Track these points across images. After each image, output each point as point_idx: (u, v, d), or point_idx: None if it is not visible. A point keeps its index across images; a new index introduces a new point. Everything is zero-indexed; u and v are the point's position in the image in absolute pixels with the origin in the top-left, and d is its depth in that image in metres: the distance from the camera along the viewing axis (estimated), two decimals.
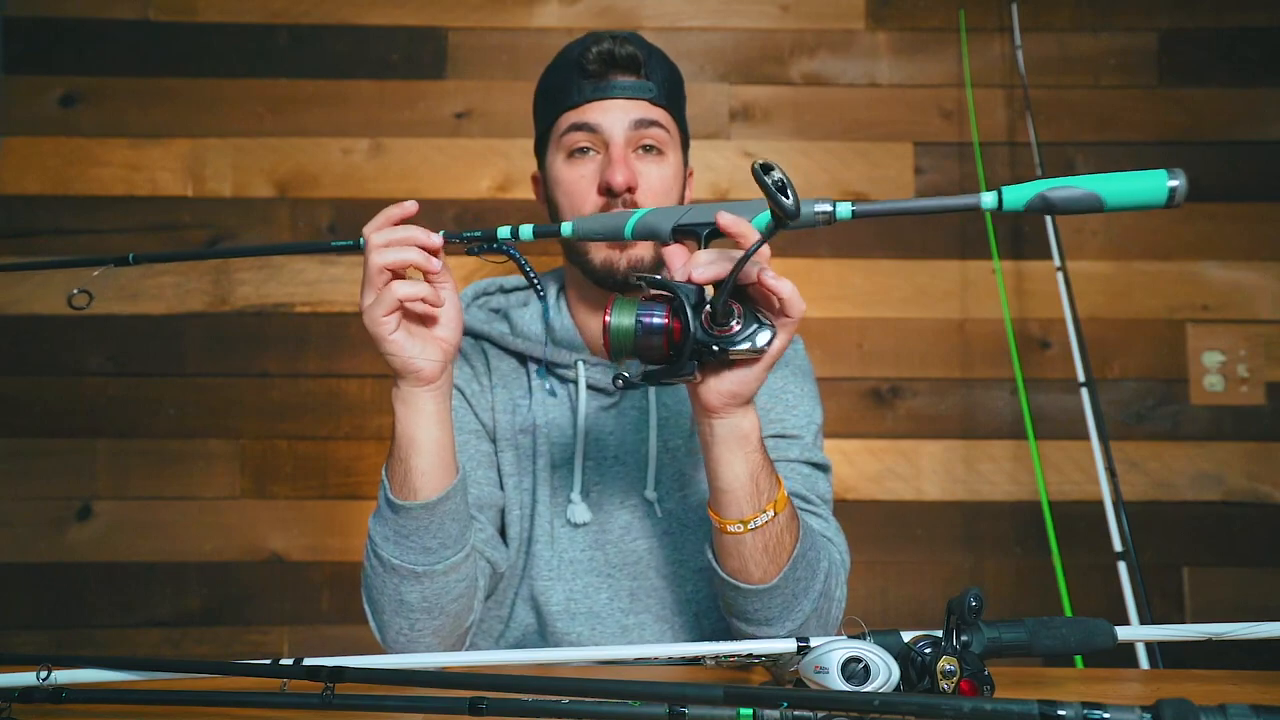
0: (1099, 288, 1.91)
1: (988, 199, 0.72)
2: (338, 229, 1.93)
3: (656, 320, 0.75)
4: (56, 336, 1.89)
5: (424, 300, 0.85)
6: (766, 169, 0.66)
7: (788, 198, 0.66)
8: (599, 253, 1.04)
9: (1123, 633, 0.72)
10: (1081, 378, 1.61)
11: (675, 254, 0.80)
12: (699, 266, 0.75)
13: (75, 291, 0.83)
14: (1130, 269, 1.93)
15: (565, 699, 0.59)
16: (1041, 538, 1.59)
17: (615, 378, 0.78)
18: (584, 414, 1.07)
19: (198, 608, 1.87)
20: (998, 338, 1.84)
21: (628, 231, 0.84)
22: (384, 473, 0.91)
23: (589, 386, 1.08)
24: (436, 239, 0.85)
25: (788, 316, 0.76)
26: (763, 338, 0.76)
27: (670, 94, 1.05)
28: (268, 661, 0.67)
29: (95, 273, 0.84)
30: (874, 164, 1.95)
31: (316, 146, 1.94)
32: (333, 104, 1.95)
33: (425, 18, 1.97)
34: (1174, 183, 0.68)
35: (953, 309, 1.93)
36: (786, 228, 0.68)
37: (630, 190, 1.00)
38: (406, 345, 0.85)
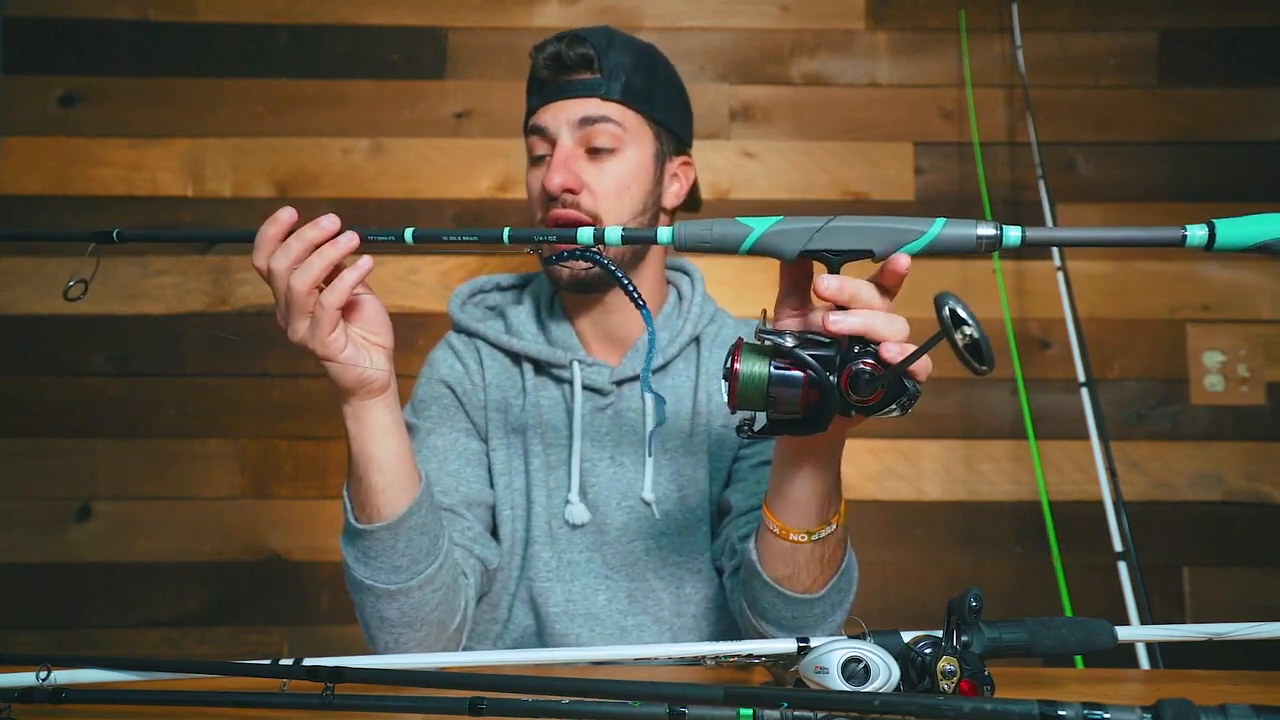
0: (1099, 288, 1.91)
1: (1196, 234, 0.65)
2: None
3: (794, 376, 0.69)
4: (56, 336, 1.89)
5: (360, 284, 0.78)
6: (957, 321, 0.59)
7: (982, 363, 0.59)
8: (561, 270, 1.02)
9: (1123, 633, 0.72)
10: (1082, 378, 1.61)
11: (837, 291, 0.69)
12: (873, 311, 0.68)
13: (71, 283, 0.81)
14: (1130, 269, 1.93)
15: (565, 699, 0.59)
16: (1041, 538, 1.59)
17: (739, 428, 0.73)
18: (580, 415, 1.07)
19: (198, 608, 1.86)
20: (998, 337, 1.84)
21: (745, 247, 0.70)
22: (345, 493, 0.89)
23: (584, 387, 1.08)
24: (330, 222, 0.75)
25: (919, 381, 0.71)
26: (908, 403, 0.70)
27: (631, 85, 1.03)
28: (268, 661, 0.67)
29: (89, 249, 0.81)
30: (874, 164, 1.95)
31: (316, 146, 1.94)
32: (333, 104, 1.95)
33: (425, 18, 1.97)
34: None
35: None
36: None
37: (572, 192, 0.99)
38: (357, 358, 0.80)
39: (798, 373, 0.69)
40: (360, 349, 0.81)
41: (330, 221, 0.76)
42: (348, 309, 0.80)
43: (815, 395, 0.69)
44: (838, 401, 0.69)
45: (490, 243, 0.74)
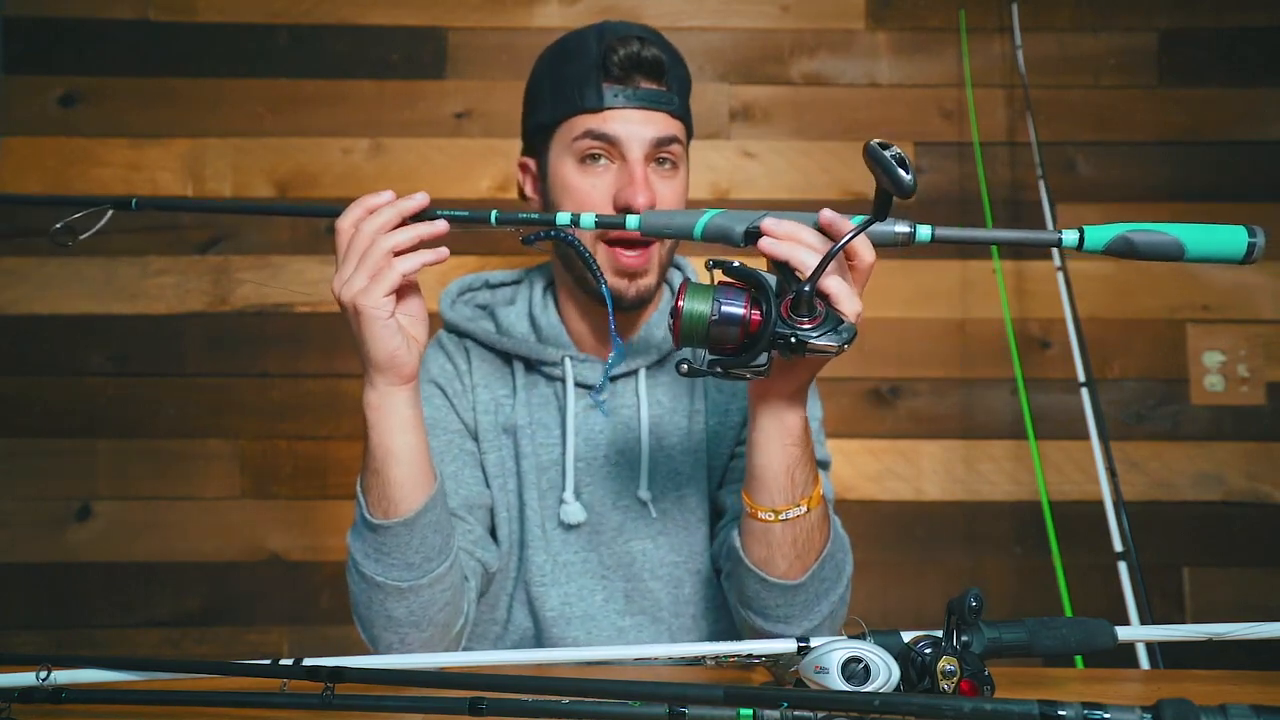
0: (1099, 288, 1.91)
1: (1069, 236, 0.72)
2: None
3: (736, 310, 0.73)
4: (56, 336, 1.89)
5: (427, 263, 0.82)
6: (885, 145, 0.65)
7: (907, 173, 0.65)
8: (608, 277, 0.97)
9: (1123, 633, 0.72)
10: (1082, 378, 1.61)
11: (775, 228, 0.77)
12: (801, 245, 0.74)
13: (58, 226, 0.82)
14: (1130, 269, 1.93)
15: (565, 699, 0.59)
16: (1042, 538, 1.59)
17: (679, 363, 0.76)
18: (573, 412, 1.06)
19: (198, 608, 1.86)
20: (998, 338, 1.84)
21: (697, 232, 0.80)
22: (359, 489, 0.89)
23: (577, 384, 1.07)
24: (423, 199, 0.82)
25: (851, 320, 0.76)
26: (844, 334, 0.74)
27: (684, 101, 1.02)
28: (268, 662, 0.67)
29: (105, 217, 0.82)
30: None
31: (316, 146, 1.94)
32: (333, 104, 1.95)
33: (425, 18, 1.97)
34: (1253, 240, 0.69)
35: (953, 309, 1.93)
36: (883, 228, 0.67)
37: (651, 209, 0.97)
38: (396, 332, 0.83)
39: (739, 309, 0.73)
40: (399, 330, 0.84)
41: (423, 199, 0.82)
42: (401, 289, 0.83)
43: (755, 325, 0.73)
44: (775, 324, 0.72)
45: (479, 222, 0.83)
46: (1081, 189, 1.95)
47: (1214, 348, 1.91)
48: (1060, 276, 1.70)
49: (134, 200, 0.84)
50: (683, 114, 1.02)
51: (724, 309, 0.73)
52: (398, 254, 0.80)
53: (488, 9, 1.97)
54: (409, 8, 1.97)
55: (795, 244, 0.75)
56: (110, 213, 0.84)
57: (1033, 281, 1.93)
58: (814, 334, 0.72)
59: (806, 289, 0.72)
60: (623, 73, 0.97)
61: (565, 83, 1.00)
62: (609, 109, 0.97)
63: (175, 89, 1.94)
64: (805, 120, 1.97)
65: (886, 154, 0.65)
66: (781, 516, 0.84)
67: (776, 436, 0.83)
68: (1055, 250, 1.74)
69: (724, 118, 1.97)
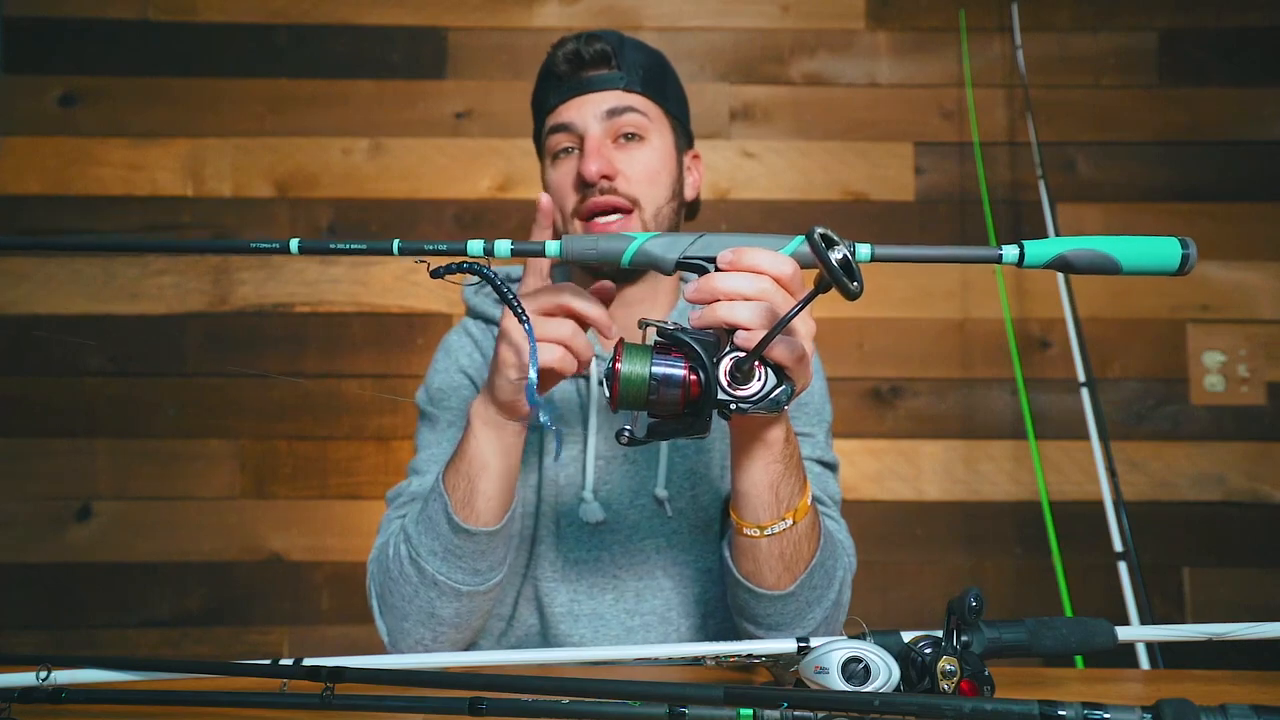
0: (1099, 288, 1.91)
1: (1009, 253, 0.71)
2: (337, 229, 1.93)
3: (675, 373, 0.69)
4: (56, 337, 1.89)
5: (574, 367, 0.80)
6: (829, 242, 0.59)
7: (854, 281, 0.59)
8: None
9: (1123, 633, 0.72)
10: (1082, 378, 1.61)
11: (706, 290, 0.70)
12: (734, 312, 0.68)
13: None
14: None
15: (565, 699, 0.59)
16: (1042, 538, 1.59)
17: (619, 433, 0.72)
18: (596, 409, 1.06)
19: (198, 608, 1.86)
20: (998, 338, 1.84)
21: (625, 259, 0.73)
22: (441, 484, 0.88)
23: (600, 381, 1.07)
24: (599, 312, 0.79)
25: (799, 369, 0.73)
26: (783, 395, 0.70)
27: (648, 79, 1.04)
28: (268, 662, 0.67)
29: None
30: (874, 164, 1.95)
31: (316, 146, 1.94)
32: (333, 104, 1.95)
33: (425, 18, 1.97)
34: (1186, 251, 0.69)
35: (953, 309, 1.93)
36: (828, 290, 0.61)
37: (608, 178, 0.99)
38: (522, 388, 0.80)
39: (678, 371, 0.69)
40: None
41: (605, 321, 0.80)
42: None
43: (695, 390, 0.69)
44: (715, 394, 0.69)
45: (379, 254, 0.72)
46: (1081, 189, 1.95)
47: (1214, 348, 1.91)
48: (1060, 277, 1.70)
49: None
50: (644, 90, 1.04)
51: (662, 373, 0.69)
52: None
53: (488, 9, 1.97)
54: (409, 8, 1.97)
55: (721, 303, 0.69)
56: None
57: (1033, 281, 1.93)
58: (754, 399, 0.70)
59: (745, 360, 0.68)
60: (569, 68, 1.02)
61: (536, 99, 1.08)
62: (562, 103, 1.02)
63: (175, 89, 1.94)
64: (805, 120, 1.97)
65: (831, 257, 0.59)
66: (767, 532, 0.84)
67: (759, 455, 0.81)
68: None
69: (724, 118, 1.97)
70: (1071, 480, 1.87)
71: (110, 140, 1.93)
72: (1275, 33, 1.97)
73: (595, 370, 1.06)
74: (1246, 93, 1.96)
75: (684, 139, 1.10)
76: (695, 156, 1.13)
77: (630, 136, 1.02)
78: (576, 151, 1.02)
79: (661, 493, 1.05)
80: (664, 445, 1.06)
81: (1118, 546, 1.46)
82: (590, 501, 1.04)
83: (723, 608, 1.09)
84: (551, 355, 0.78)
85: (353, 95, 1.95)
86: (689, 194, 1.12)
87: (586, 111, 1.01)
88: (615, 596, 1.06)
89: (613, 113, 1.01)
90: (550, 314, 0.79)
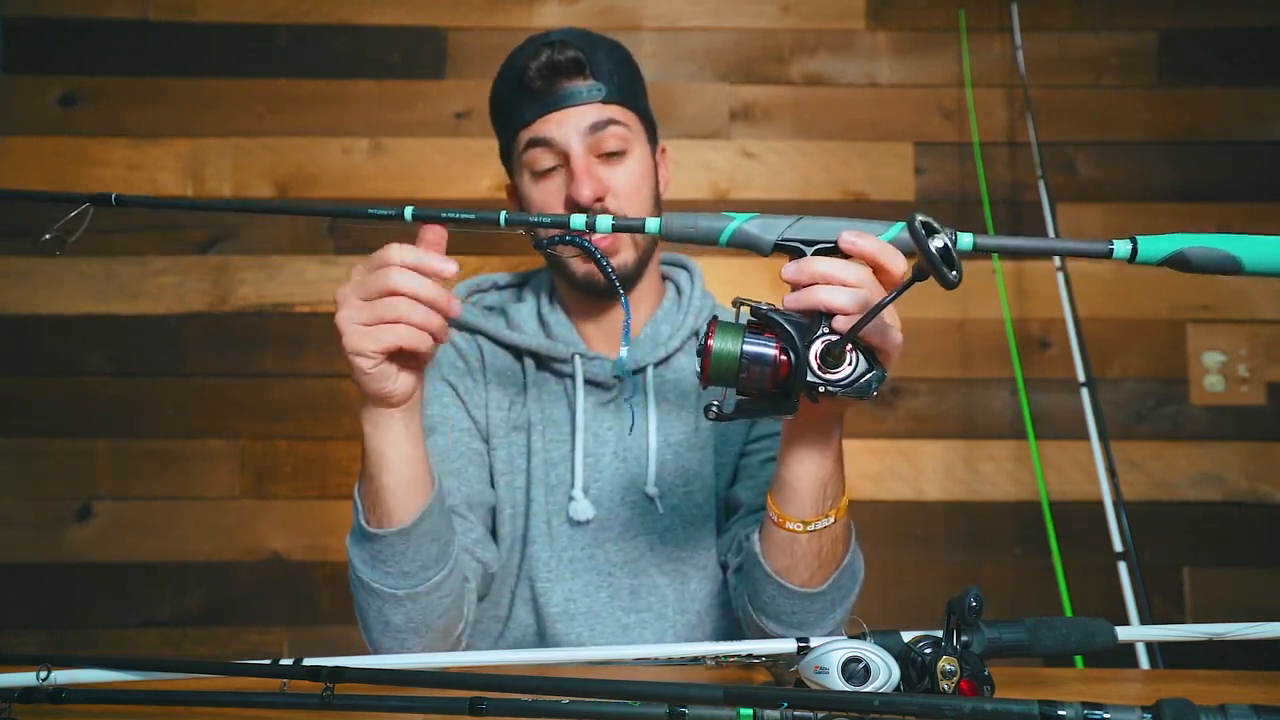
0: (1099, 288, 1.91)
1: (1121, 248, 0.70)
2: (337, 229, 1.93)
3: (767, 352, 0.70)
4: (56, 336, 1.89)
5: (430, 341, 0.77)
6: (930, 230, 0.59)
7: (953, 271, 0.59)
8: (581, 265, 1.03)
9: (1123, 633, 0.72)
10: (1082, 378, 1.61)
11: (806, 273, 0.70)
12: (834, 296, 0.68)
13: (46, 237, 0.80)
14: (1130, 269, 1.92)
15: (565, 699, 0.59)
16: (1041, 538, 1.59)
17: (707, 409, 0.73)
18: (583, 409, 1.07)
19: (198, 608, 1.86)
20: (998, 338, 1.84)
21: (724, 239, 0.74)
22: (356, 494, 0.88)
23: (586, 381, 1.07)
24: (452, 266, 0.77)
25: (889, 358, 0.73)
26: (874, 380, 0.70)
27: (623, 86, 1.04)
28: (268, 661, 0.67)
29: (88, 218, 0.79)
30: (874, 164, 1.95)
31: (316, 146, 1.94)
32: (333, 104, 1.95)
33: (425, 18, 1.97)
34: None
35: (953, 309, 1.93)
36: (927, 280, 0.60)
37: (599, 199, 0.99)
38: (383, 375, 0.79)
39: (769, 350, 0.70)
40: (393, 364, 0.80)
41: (454, 269, 0.78)
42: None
43: (785, 370, 0.70)
44: (805, 375, 0.69)
45: (487, 224, 0.76)
46: (1081, 189, 1.95)
47: (1214, 348, 1.91)
48: (1060, 276, 1.70)
49: (114, 197, 0.79)
50: (621, 99, 1.03)
51: (755, 351, 0.70)
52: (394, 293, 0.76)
53: (488, 9, 1.97)
54: (409, 8, 1.97)
55: (820, 286, 0.69)
56: (92, 212, 0.81)
57: (1033, 281, 1.93)
58: (844, 383, 0.70)
59: (837, 344, 0.68)
60: (543, 81, 1.01)
61: (505, 104, 1.07)
62: (539, 117, 1.01)
63: (175, 89, 1.94)
64: (805, 120, 1.97)
65: (931, 245, 0.59)
66: (810, 528, 0.83)
67: (816, 448, 0.80)
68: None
69: (724, 118, 1.97)
70: (1071, 480, 1.87)
71: (110, 140, 1.93)
72: (1275, 33, 1.96)
73: (579, 369, 1.07)
74: (1246, 93, 1.96)
75: (654, 137, 1.10)
76: (663, 151, 1.14)
77: (612, 153, 1.02)
78: (562, 169, 1.01)
79: (652, 490, 1.05)
80: (652, 443, 1.07)
81: (1118, 546, 1.46)
82: (580, 499, 1.05)
83: (719, 604, 1.09)
84: (394, 335, 0.76)
85: (352, 95, 1.95)
86: (663, 191, 1.13)
87: (568, 127, 1.01)
88: (610, 594, 1.06)
89: (595, 127, 1.01)
90: (373, 298, 0.76)
